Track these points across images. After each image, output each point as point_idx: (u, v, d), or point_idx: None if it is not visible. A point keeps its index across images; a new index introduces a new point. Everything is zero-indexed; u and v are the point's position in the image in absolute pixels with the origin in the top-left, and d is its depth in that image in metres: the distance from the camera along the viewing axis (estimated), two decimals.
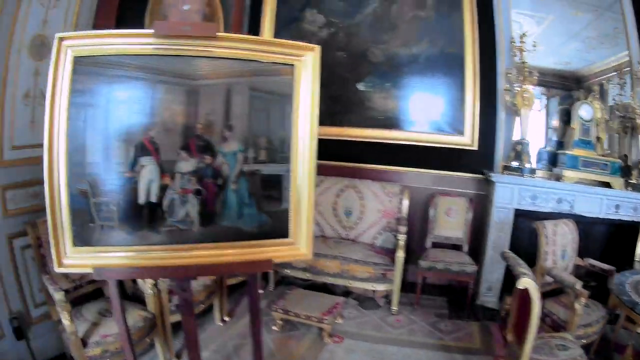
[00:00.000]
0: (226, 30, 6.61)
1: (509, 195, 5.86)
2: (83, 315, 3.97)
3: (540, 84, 6.22)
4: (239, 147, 2.79)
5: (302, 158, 2.80)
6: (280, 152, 2.84)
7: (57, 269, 2.68)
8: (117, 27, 5.10)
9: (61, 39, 2.58)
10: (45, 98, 3.22)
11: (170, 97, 2.74)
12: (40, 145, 2.98)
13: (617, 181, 5.77)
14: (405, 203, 6.13)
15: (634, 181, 5.70)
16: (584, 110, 5.99)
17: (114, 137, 2.69)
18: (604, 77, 6.35)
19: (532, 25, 6.37)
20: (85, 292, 4.20)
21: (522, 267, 3.23)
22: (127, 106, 2.71)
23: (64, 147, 2.61)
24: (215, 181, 2.81)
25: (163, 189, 2.75)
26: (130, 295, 4.47)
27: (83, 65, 2.62)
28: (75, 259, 2.69)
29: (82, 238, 2.69)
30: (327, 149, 5.96)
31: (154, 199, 2.74)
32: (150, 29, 2.58)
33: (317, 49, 2.78)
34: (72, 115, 2.62)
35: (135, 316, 3.99)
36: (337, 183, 6.50)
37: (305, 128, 2.78)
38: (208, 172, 2.79)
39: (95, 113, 2.69)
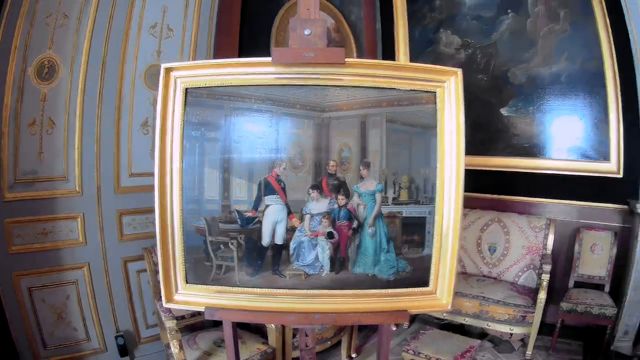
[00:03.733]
0: (360, 49, 7.32)
1: None
2: (197, 343, 4.08)
3: None
4: (377, 187, 2.54)
5: (448, 198, 2.50)
6: (423, 191, 2.58)
7: (166, 305, 2.63)
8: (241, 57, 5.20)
9: (169, 70, 2.50)
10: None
11: (297, 131, 2.57)
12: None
13: None
14: (551, 238, 5.80)
15: None
16: None
17: (235, 174, 2.56)
18: None
19: None
20: (203, 319, 4.34)
21: None
22: (249, 141, 2.57)
23: (177, 183, 2.52)
24: (350, 224, 2.57)
25: (290, 230, 2.56)
26: (252, 325, 4.45)
27: (197, 97, 2.52)
28: (187, 296, 2.62)
29: (196, 276, 2.61)
30: (470, 180, 5.70)
31: (279, 240, 2.57)
32: (268, 57, 2.40)
33: (459, 72, 2.48)
34: (186, 149, 2.52)
35: (254, 349, 4.02)
36: (481, 216, 6.33)
37: (451, 164, 2.48)
38: (342, 213, 2.56)
39: (213, 148, 2.59)
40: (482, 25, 6.88)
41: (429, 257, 2.55)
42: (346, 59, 2.37)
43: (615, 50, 5.95)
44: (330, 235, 2.53)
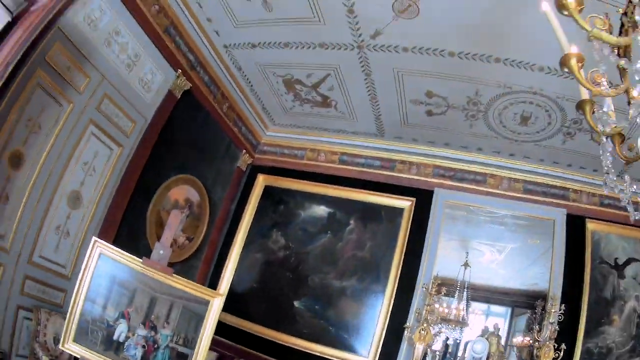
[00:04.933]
0: (210, 224, 9.03)
1: None
2: None
3: (498, 303, 7.28)
4: (169, 333, 4.97)
5: (200, 350, 4.98)
6: (191, 342, 4.98)
7: (61, 348, 4.80)
8: (125, 211, 7.13)
9: (96, 241, 4.85)
10: (69, 235, 5.63)
11: (142, 297, 5.01)
12: (57, 264, 5.63)
13: None
14: None
15: None
16: (479, 345, 6.71)
17: (109, 303, 4.93)
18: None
19: (493, 254, 7.39)
20: None
21: None
22: (120, 292, 4.97)
23: (83, 297, 4.82)
24: (154, 345, 4.94)
25: (127, 338, 4.92)
26: None
27: (104, 262, 4.88)
28: (72, 347, 4.81)
29: (80, 340, 4.80)
30: (260, 344, 8.07)
31: (121, 340, 4.92)
32: (141, 260, 4.92)
33: (224, 296, 5.01)
34: (92, 285, 4.83)
35: None
36: None
37: (206, 338, 4.98)
38: (151, 339, 4.94)
39: (102, 287, 4.92)
40: (305, 236, 8.36)
41: None
42: (173, 274, 4.98)
43: (399, 279, 7.69)
44: (143, 347, 4.93)
